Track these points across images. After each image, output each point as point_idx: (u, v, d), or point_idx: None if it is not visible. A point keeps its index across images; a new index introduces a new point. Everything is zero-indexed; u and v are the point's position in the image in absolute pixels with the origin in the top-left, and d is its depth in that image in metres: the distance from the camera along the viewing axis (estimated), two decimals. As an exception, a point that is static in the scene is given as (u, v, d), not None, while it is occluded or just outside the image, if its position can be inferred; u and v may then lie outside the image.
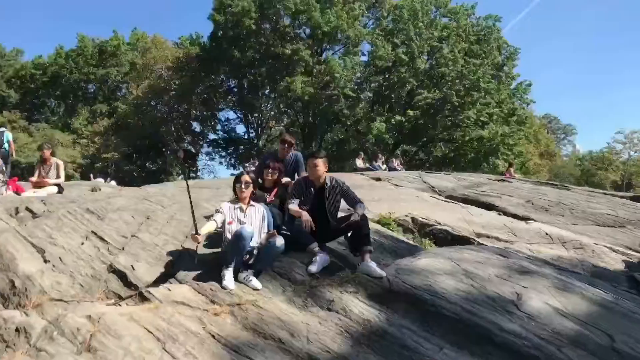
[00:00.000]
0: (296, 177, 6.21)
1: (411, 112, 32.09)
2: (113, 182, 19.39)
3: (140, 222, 5.47)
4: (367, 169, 18.15)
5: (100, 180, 20.48)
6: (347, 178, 14.17)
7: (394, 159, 22.10)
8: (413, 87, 32.77)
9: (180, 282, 4.24)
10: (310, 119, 36.94)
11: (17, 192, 8.15)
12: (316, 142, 36.93)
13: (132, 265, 4.45)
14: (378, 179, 13.69)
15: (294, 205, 4.98)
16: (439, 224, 8.07)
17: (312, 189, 5.10)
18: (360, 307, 3.98)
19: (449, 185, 13.29)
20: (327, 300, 4.07)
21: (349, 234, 5.02)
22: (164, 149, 41.94)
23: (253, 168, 14.37)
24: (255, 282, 4.32)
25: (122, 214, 5.54)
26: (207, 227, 4.53)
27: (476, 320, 3.85)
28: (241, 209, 4.75)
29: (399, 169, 19.71)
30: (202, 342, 3.25)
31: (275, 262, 4.64)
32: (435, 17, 35.07)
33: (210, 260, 4.70)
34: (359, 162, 19.42)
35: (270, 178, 5.66)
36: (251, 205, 4.82)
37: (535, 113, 50.51)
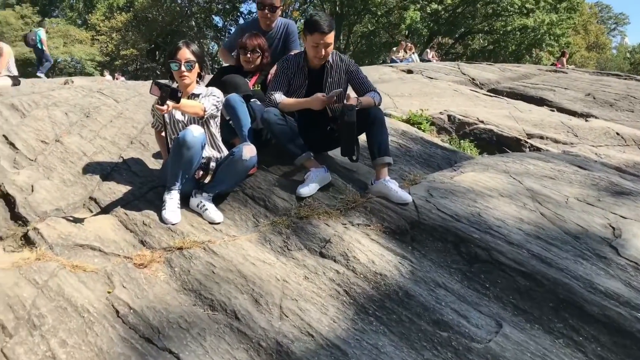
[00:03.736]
0: None
1: (449, -1, 28.86)
2: (122, 79, 17.90)
3: (74, 121, 3.96)
4: (392, 61, 16.00)
5: (109, 77, 18.94)
6: (373, 71, 12.39)
7: (428, 51, 19.76)
8: (452, -33, 29.14)
9: (106, 211, 2.85)
10: (337, 9, 33.77)
11: None
12: (344, 34, 34.14)
13: (32, 186, 3.00)
14: (409, 71, 11.81)
15: (278, 97, 3.28)
16: (482, 122, 6.47)
17: (306, 71, 3.37)
18: (370, 252, 2.55)
19: (492, 77, 11.34)
20: (321, 240, 2.65)
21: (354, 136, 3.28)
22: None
23: None
24: (213, 212, 2.87)
25: (54, 111, 4.03)
26: None
27: (552, 274, 2.39)
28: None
29: (434, 61, 17.46)
30: (89, 326, 1.88)
31: (247, 180, 3.15)
32: None
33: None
34: (400, 53, 16.93)
35: (250, 64, 3.77)
36: (195, 95, 3.02)
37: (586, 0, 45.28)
